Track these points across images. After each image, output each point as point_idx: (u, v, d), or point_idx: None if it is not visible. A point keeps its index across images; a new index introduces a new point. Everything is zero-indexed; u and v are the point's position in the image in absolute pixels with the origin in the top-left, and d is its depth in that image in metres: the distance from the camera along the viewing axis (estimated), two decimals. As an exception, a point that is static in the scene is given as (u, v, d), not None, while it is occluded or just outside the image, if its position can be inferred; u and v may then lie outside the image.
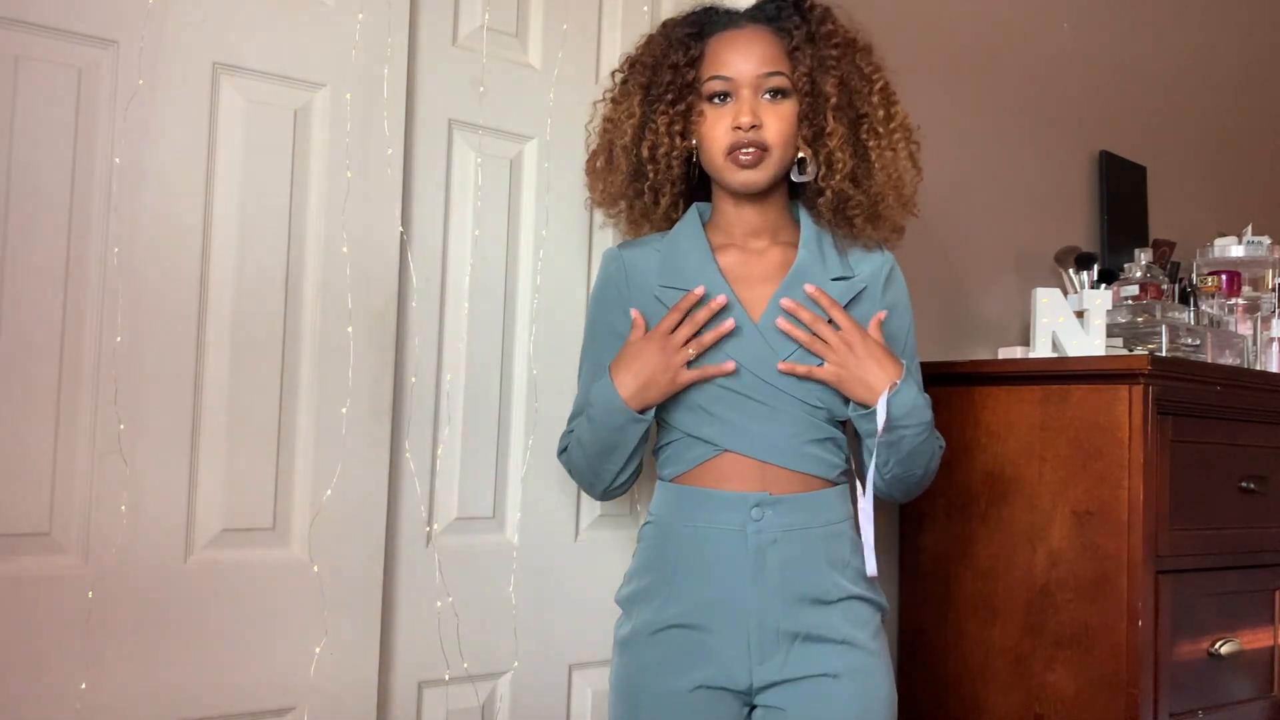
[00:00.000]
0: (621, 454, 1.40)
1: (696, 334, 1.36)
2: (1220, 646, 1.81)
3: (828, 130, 1.38)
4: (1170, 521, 1.72)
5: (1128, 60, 2.60)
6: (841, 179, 1.38)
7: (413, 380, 1.51)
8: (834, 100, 1.37)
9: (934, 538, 1.94)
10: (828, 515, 1.38)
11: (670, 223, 1.49)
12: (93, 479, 1.26)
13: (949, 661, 1.89)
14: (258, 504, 1.38)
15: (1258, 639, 1.91)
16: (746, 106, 1.35)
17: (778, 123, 1.36)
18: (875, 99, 1.40)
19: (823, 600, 1.36)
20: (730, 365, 1.36)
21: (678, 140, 1.39)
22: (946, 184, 2.12)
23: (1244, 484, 1.86)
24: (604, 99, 1.50)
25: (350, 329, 1.44)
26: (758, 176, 1.38)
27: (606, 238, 1.69)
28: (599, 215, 1.64)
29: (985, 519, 1.86)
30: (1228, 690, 1.85)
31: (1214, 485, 1.82)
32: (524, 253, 1.62)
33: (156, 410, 1.30)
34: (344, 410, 1.43)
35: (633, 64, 1.45)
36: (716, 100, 1.38)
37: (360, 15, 1.45)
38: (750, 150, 1.35)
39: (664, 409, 1.41)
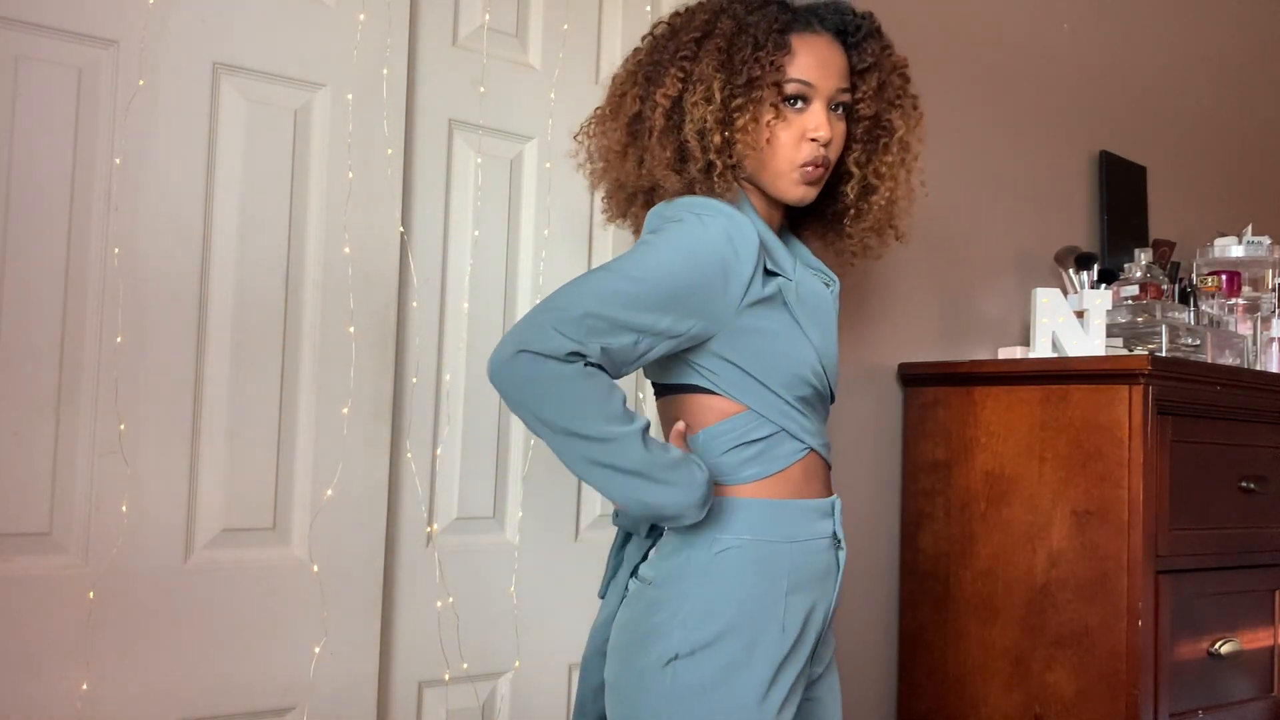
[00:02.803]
0: (605, 490, 1.20)
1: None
2: (1220, 646, 1.81)
3: (885, 159, 1.37)
4: (1170, 521, 1.72)
5: (1128, 60, 2.60)
6: (881, 206, 1.40)
7: (413, 380, 1.51)
8: (900, 132, 1.38)
9: (934, 538, 1.94)
10: None
11: (662, 194, 1.36)
12: (93, 479, 1.26)
13: (949, 661, 1.89)
14: (258, 504, 1.38)
15: (1257, 639, 1.91)
16: (824, 119, 1.30)
17: (839, 140, 1.34)
18: (917, 131, 1.41)
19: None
20: None
21: (752, 136, 1.28)
22: (946, 184, 2.12)
23: (1244, 484, 1.86)
24: (636, 63, 1.37)
25: (350, 329, 1.44)
26: (815, 194, 1.34)
27: (607, 237, 1.69)
28: (599, 215, 1.63)
29: (985, 519, 1.86)
30: (1227, 690, 1.85)
31: (1214, 485, 1.82)
32: (524, 253, 1.63)
33: (156, 410, 1.30)
34: (344, 410, 1.43)
35: (699, 40, 1.32)
36: (788, 103, 1.31)
37: (360, 15, 1.45)
38: (820, 167, 1.31)
39: (756, 394, 1.26)
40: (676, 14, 1.37)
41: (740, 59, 1.29)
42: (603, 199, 1.49)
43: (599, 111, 1.41)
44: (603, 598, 1.37)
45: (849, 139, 1.37)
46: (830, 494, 1.34)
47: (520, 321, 1.17)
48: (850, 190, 1.39)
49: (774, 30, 1.30)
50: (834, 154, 1.33)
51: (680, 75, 1.31)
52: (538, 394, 1.15)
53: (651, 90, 1.33)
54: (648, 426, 1.20)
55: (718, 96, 1.28)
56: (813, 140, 1.30)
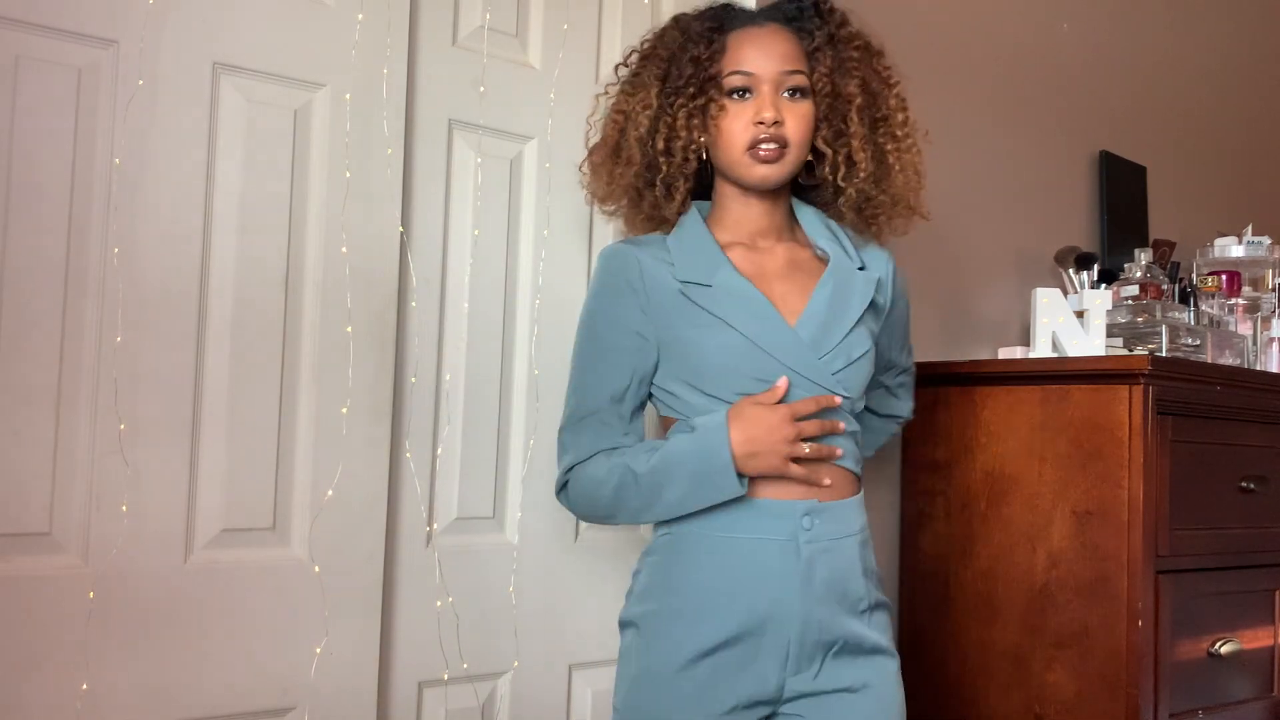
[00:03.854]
0: (680, 507, 1.31)
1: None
2: (1220, 646, 1.81)
3: (850, 131, 1.38)
4: (1170, 521, 1.72)
5: (1128, 60, 2.60)
6: (864, 180, 1.40)
7: (413, 380, 1.51)
8: (858, 102, 1.38)
9: (934, 538, 1.94)
10: (860, 520, 1.38)
11: (669, 221, 1.46)
12: (93, 479, 1.26)
13: (949, 661, 1.89)
14: (258, 504, 1.38)
15: (1258, 639, 1.91)
16: (769, 102, 1.34)
17: (797, 121, 1.36)
18: (893, 102, 1.41)
19: (856, 609, 1.34)
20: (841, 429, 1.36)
21: (696, 134, 1.36)
22: (946, 184, 2.12)
23: (1244, 484, 1.86)
24: (606, 92, 1.48)
25: (350, 329, 1.44)
26: (776, 172, 1.36)
27: (607, 237, 1.69)
28: (599, 214, 1.64)
29: (985, 519, 1.86)
30: (1228, 690, 1.85)
31: (1214, 485, 1.82)
32: (524, 253, 1.63)
33: (156, 410, 1.30)
34: (344, 410, 1.43)
35: (646, 56, 1.42)
36: (736, 96, 1.36)
37: (360, 15, 1.45)
38: (771, 146, 1.34)
39: (694, 404, 1.35)
40: (642, 40, 1.46)
41: (680, 64, 1.37)
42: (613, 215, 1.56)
43: (588, 148, 1.50)
44: None
45: (817, 122, 1.39)
46: (811, 496, 1.32)
47: None
48: (832, 172, 1.41)
49: (708, 30, 1.38)
50: (793, 134, 1.36)
51: (629, 90, 1.42)
52: (584, 512, 1.43)
53: (610, 110, 1.45)
54: (648, 446, 1.36)
55: (655, 102, 1.37)
56: (759, 124, 1.34)
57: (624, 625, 1.39)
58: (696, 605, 1.32)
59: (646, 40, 1.45)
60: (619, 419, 1.38)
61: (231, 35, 1.36)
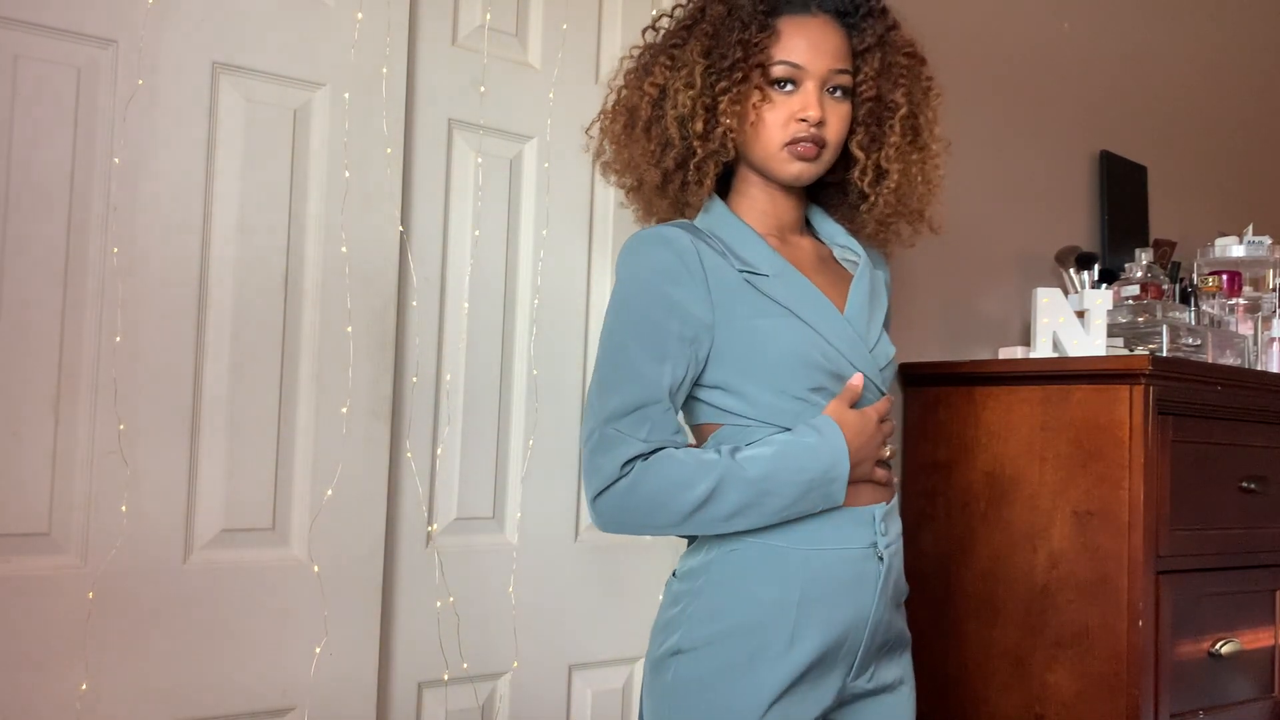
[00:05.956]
0: (774, 518, 1.21)
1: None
2: (1220, 647, 1.81)
3: (890, 140, 1.34)
4: (1171, 522, 1.72)
5: (1128, 60, 2.60)
6: (893, 191, 1.35)
7: (413, 380, 1.51)
8: (902, 112, 1.33)
9: (934, 538, 1.94)
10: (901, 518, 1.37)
11: (693, 206, 1.39)
12: (93, 479, 1.26)
13: (949, 661, 1.89)
14: (258, 504, 1.38)
15: (1258, 639, 1.91)
16: (815, 100, 1.28)
17: (837, 122, 1.31)
18: (931, 115, 1.37)
19: (900, 605, 1.34)
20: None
21: (738, 121, 1.28)
22: (947, 184, 2.11)
23: (1244, 484, 1.86)
24: (630, 55, 1.39)
25: (350, 329, 1.43)
26: (810, 170, 1.31)
27: (607, 236, 1.69)
28: (599, 214, 1.64)
29: (985, 519, 1.85)
30: (1228, 690, 1.85)
31: (1214, 485, 1.82)
32: (524, 253, 1.62)
33: (156, 410, 1.30)
34: (344, 410, 1.43)
35: (688, 28, 1.32)
36: (778, 86, 1.29)
37: (360, 15, 1.45)
38: (810, 145, 1.29)
39: (760, 403, 1.25)
40: (677, 5, 1.37)
41: (725, 43, 1.28)
42: (621, 203, 1.49)
43: (602, 112, 1.40)
44: None
45: (853, 123, 1.34)
46: (880, 500, 1.29)
47: (584, 471, 1.23)
48: (861, 177, 1.35)
49: (759, 13, 1.29)
50: (832, 135, 1.30)
51: (668, 63, 1.31)
52: (638, 517, 1.20)
53: (642, 81, 1.33)
54: (735, 449, 1.22)
55: (699, 81, 1.27)
56: (801, 120, 1.28)
57: (673, 654, 1.24)
58: (780, 629, 1.21)
59: (684, 7, 1.36)
60: (675, 414, 1.24)
61: (231, 35, 1.36)
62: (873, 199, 1.37)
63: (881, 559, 1.27)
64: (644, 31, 1.39)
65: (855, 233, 1.43)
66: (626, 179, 1.40)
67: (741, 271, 1.26)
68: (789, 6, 1.31)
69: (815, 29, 1.30)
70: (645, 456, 1.20)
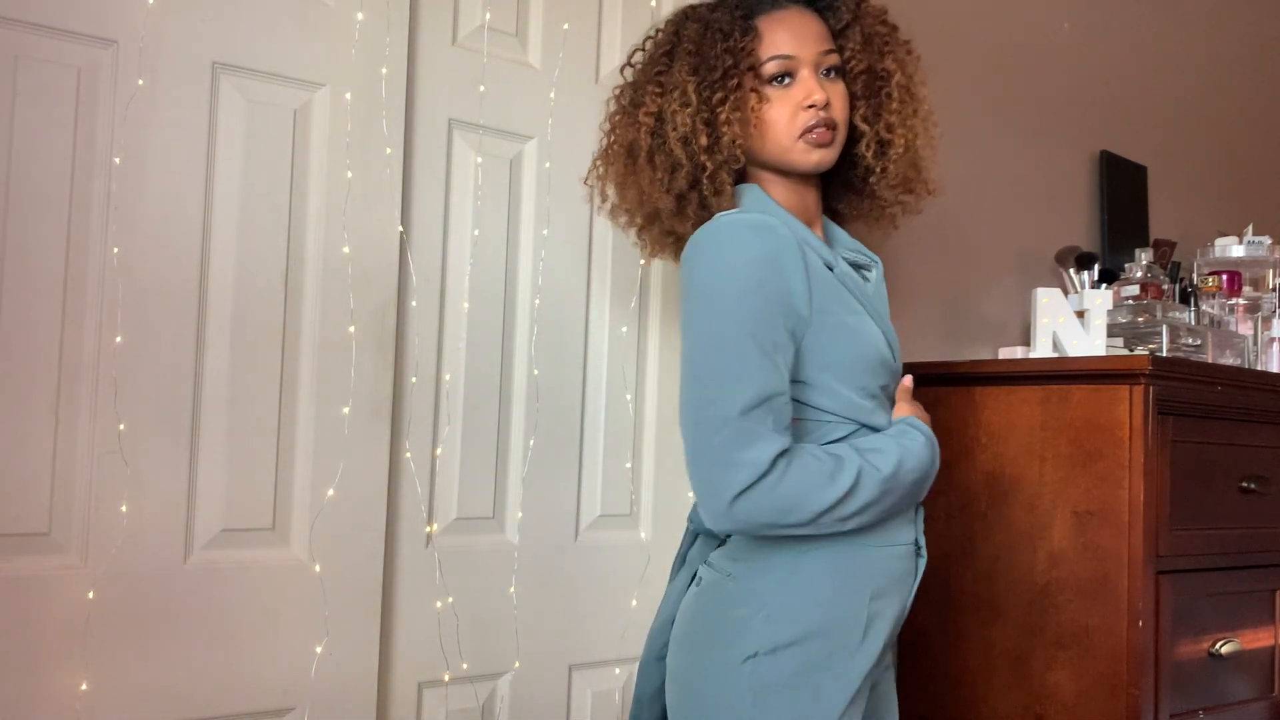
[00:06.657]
0: (878, 517, 1.23)
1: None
2: (1221, 647, 1.81)
3: (891, 108, 1.35)
4: (1170, 521, 1.72)
5: (1128, 60, 2.60)
6: (900, 158, 1.36)
7: (413, 380, 1.51)
8: (897, 78, 1.35)
9: (934, 538, 1.93)
10: None
11: (693, 221, 1.35)
12: (93, 479, 1.26)
13: (949, 661, 1.89)
14: (258, 504, 1.38)
15: (1258, 639, 1.91)
16: (815, 84, 1.29)
17: (840, 101, 1.32)
18: (920, 76, 1.39)
19: None
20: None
21: (741, 126, 1.28)
22: (947, 184, 2.11)
23: (1244, 484, 1.86)
24: (615, 95, 1.40)
25: (350, 328, 1.43)
26: (830, 155, 1.32)
27: (607, 236, 1.69)
28: (599, 214, 1.63)
29: (985, 519, 1.85)
30: (1228, 690, 1.84)
31: (1214, 485, 1.82)
32: (524, 253, 1.62)
33: (156, 410, 1.30)
34: (344, 410, 1.43)
35: (668, 52, 1.33)
36: (776, 83, 1.30)
37: (360, 15, 1.45)
38: (824, 129, 1.29)
39: (841, 399, 1.25)
40: (647, 38, 1.39)
41: (711, 56, 1.29)
42: (633, 242, 1.49)
43: (598, 153, 1.42)
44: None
45: (851, 99, 1.35)
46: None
47: (699, 473, 1.16)
48: (867, 149, 1.36)
49: (738, 18, 1.31)
50: (839, 115, 1.32)
51: (658, 90, 1.32)
52: (774, 515, 1.15)
53: (635, 114, 1.34)
54: (862, 449, 1.23)
55: (694, 98, 1.28)
56: (810, 108, 1.29)
57: (750, 657, 1.20)
58: (855, 626, 1.23)
59: (657, 36, 1.37)
60: (791, 407, 1.21)
61: (231, 35, 1.36)
62: (881, 169, 1.37)
63: (921, 554, 1.32)
64: (621, 69, 1.40)
65: (864, 214, 1.44)
66: (639, 214, 1.41)
67: (828, 266, 1.26)
68: (762, 6, 1.33)
69: (794, 19, 1.32)
70: (786, 452, 1.16)
